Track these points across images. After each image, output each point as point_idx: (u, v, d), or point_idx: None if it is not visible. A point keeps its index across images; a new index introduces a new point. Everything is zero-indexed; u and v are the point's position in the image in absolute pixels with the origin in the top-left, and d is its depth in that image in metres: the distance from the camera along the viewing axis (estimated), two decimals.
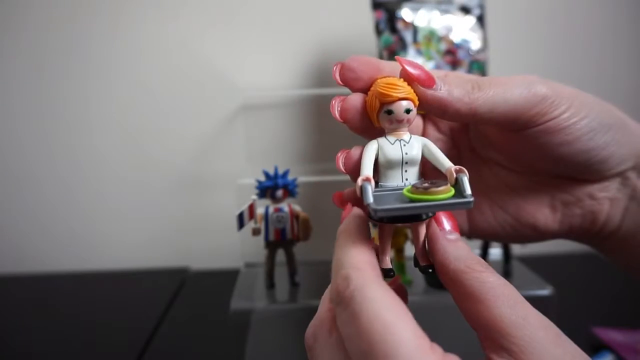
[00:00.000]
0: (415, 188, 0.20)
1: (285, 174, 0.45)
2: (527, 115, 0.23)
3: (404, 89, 0.21)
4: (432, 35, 0.57)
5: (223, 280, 0.56)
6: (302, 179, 0.47)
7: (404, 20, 0.57)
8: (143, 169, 0.73)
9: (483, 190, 0.29)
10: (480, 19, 0.59)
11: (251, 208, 0.44)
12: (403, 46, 0.57)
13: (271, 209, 0.45)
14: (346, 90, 0.24)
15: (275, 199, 0.45)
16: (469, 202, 0.19)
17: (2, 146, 0.71)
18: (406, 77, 0.22)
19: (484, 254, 0.54)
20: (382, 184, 0.22)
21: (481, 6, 0.59)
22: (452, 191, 0.20)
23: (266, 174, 0.45)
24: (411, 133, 0.22)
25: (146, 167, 0.72)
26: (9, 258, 0.74)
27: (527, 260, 0.55)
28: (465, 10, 0.59)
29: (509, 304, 0.18)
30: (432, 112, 0.24)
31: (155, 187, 0.73)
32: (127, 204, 0.73)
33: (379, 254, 0.22)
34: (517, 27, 0.73)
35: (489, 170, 0.29)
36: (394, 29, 0.57)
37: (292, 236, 0.45)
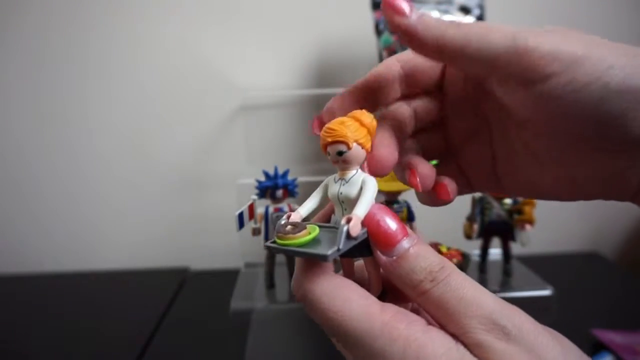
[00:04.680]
0: (279, 229, 0.20)
1: (285, 174, 0.45)
2: (508, 68, 0.20)
3: (337, 132, 0.20)
4: None
5: (223, 280, 0.56)
6: (302, 179, 0.47)
7: None
8: (143, 169, 0.73)
9: (505, 153, 0.26)
10: (480, 19, 0.59)
11: (251, 208, 0.44)
12: (403, 46, 0.57)
13: (271, 209, 0.45)
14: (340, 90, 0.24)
15: (275, 199, 0.45)
16: (323, 256, 0.18)
17: (2, 146, 0.71)
18: (384, 4, 0.21)
19: (484, 254, 0.54)
20: (332, 216, 0.22)
21: (481, 6, 0.59)
22: (311, 236, 0.20)
23: (266, 174, 0.45)
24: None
25: (146, 167, 0.73)
26: (9, 258, 0.74)
27: (527, 260, 0.55)
28: (465, 10, 0.59)
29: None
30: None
31: (155, 188, 0.73)
32: (127, 204, 0.73)
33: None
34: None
35: (516, 136, 0.25)
36: None
37: None
